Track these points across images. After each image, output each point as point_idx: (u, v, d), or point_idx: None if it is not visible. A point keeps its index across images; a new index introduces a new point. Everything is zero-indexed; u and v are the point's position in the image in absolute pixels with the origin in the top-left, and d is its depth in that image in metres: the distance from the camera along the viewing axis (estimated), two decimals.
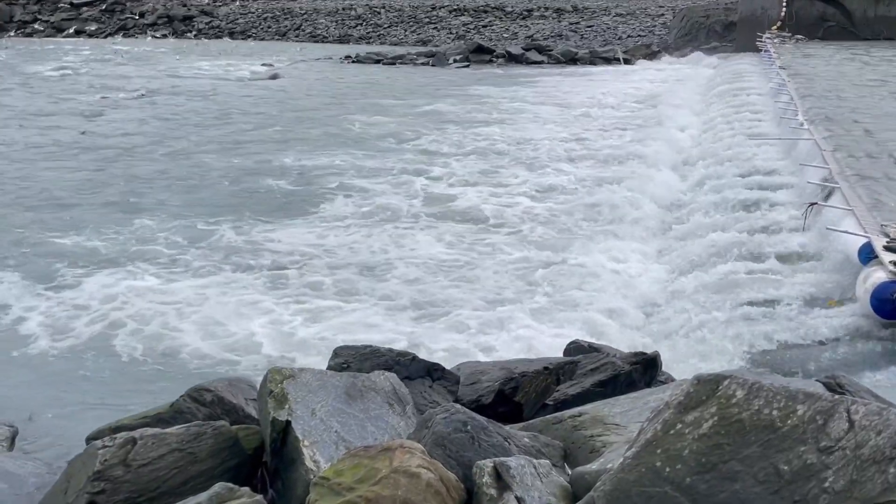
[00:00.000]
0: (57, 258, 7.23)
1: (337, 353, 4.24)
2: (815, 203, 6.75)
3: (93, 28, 42.01)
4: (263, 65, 26.65)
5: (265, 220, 8.41)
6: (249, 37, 39.64)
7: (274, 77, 22.01)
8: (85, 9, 43.61)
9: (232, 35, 40.16)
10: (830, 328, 5.04)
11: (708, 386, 1.70)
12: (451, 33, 34.87)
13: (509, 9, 36.51)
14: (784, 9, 23.74)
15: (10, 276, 6.75)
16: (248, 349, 5.44)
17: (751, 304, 5.47)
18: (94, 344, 5.64)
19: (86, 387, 5.10)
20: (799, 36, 22.51)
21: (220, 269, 6.93)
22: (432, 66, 26.15)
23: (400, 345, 5.14)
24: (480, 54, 27.58)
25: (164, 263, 7.02)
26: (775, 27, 23.21)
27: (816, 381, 2.37)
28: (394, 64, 26.83)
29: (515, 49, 27.65)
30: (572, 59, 26.29)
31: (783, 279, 5.86)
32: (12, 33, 41.72)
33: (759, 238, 6.73)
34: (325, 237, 7.82)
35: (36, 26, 42.84)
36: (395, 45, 34.45)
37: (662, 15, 32.00)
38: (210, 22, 41.63)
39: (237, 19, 41.57)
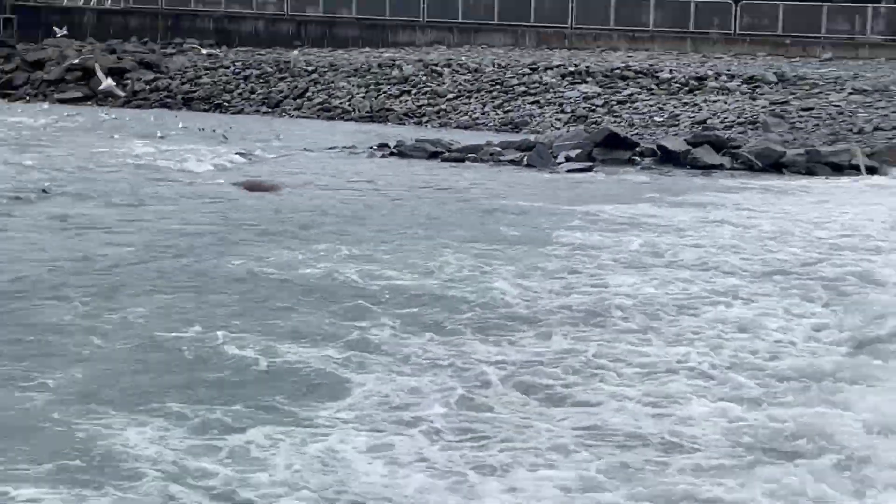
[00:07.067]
0: None
1: None
2: None
3: None
4: (240, 154, 27.76)
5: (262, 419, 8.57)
6: (219, 107, 41.25)
7: (255, 188, 22.16)
8: None
9: (189, 103, 41.75)
10: None
11: None
12: (562, 111, 35.73)
13: (665, 75, 37.27)
14: None
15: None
16: None
17: None
18: None
19: None
20: None
21: None
22: (528, 165, 26.76)
23: None
24: (613, 150, 27.97)
25: None
26: None
27: None
28: (462, 161, 27.49)
29: (676, 143, 28.01)
30: (775, 164, 26.39)
31: None
32: None
33: None
34: None
35: None
36: (467, 127, 35.23)
37: None
38: (155, 80, 43.49)
39: (199, 77, 43.32)
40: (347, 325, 11.36)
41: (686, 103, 34.98)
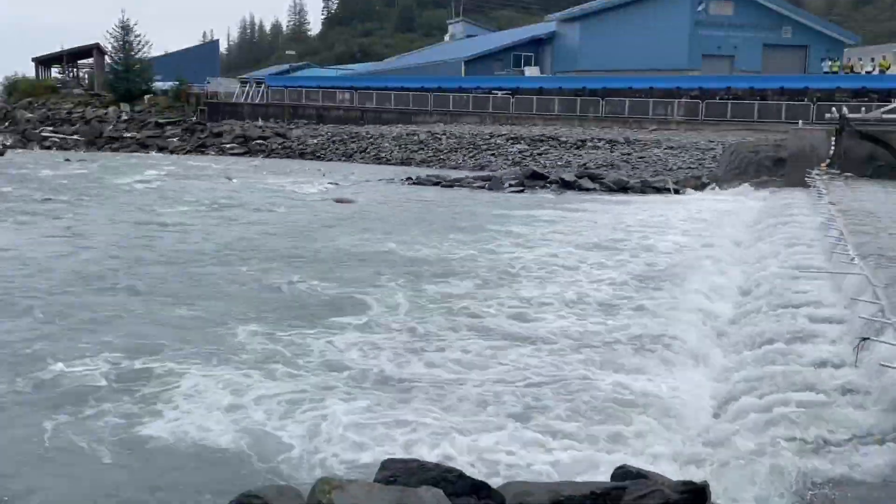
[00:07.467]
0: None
1: (385, 465, 4.15)
2: (868, 338, 6.42)
3: (175, 144, 44.40)
4: (331, 183, 27.55)
5: (310, 325, 8.53)
6: (318, 157, 41.10)
7: (341, 201, 22.21)
8: (168, 127, 46.36)
9: (302, 155, 41.77)
10: (885, 465, 4.69)
11: None
12: (507, 159, 35.52)
13: (564, 139, 37.23)
14: (833, 147, 23.67)
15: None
16: (294, 455, 5.46)
17: (802, 439, 5.18)
18: (126, 439, 5.65)
19: (115, 480, 5.08)
20: (848, 173, 22.21)
21: (263, 370, 7.07)
22: (488, 189, 26.45)
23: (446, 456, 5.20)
24: (535, 180, 27.89)
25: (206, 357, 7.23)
26: (824, 164, 23.06)
27: None
28: (451, 186, 27.26)
29: (569, 176, 27.92)
30: (623, 188, 26.36)
31: (834, 415, 5.47)
32: (102, 148, 44.53)
33: (808, 372, 6.36)
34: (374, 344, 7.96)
35: (122, 142, 45.44)
36: (454, 168, 35.21)
37: (712, 149, 32.25)
38: (283, 143, 43.49)
39: (307, 141, 43.34)
40: (374, 275, 11.35)
41: (575, 154, 34.94)
